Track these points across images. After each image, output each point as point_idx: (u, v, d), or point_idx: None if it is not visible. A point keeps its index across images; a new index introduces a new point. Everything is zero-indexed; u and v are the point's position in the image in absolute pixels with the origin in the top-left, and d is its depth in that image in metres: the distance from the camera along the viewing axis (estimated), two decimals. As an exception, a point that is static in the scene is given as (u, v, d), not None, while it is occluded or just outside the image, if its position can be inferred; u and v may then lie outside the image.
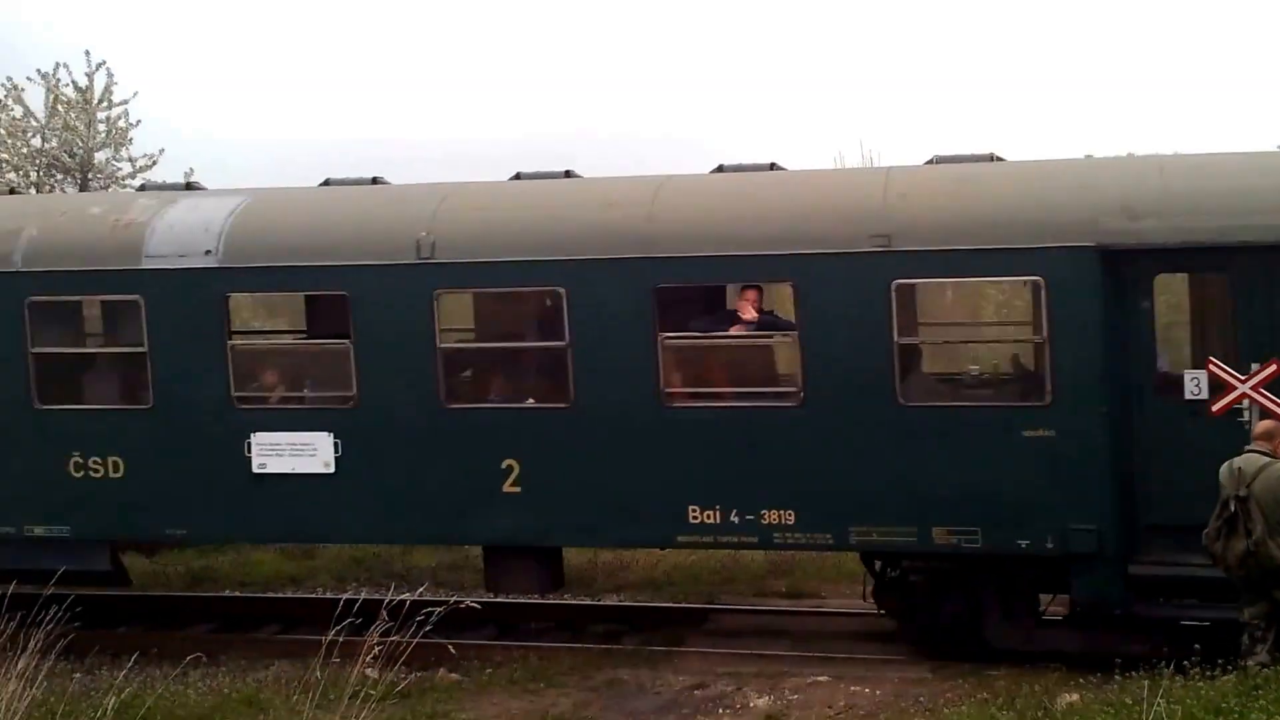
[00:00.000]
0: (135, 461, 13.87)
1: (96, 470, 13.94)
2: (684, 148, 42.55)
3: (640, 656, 13.42)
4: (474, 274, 13.31)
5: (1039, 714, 10.34)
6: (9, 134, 26.28)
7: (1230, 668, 10.40)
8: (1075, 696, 10.96)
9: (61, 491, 14.00)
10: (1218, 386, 11.53)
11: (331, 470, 13.51)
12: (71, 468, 13.99)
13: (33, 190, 25.48)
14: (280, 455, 13.63)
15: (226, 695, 12.58)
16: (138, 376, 13.94)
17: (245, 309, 17.95)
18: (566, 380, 12.99)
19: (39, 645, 10.13)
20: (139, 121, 27.07)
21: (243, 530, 14.55)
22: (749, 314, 12.99)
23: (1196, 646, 11.53)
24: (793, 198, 12.99)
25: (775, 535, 12.66)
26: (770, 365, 13.27)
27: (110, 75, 26.77)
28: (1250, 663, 10.35)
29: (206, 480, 13.72)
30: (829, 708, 11.80)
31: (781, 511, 12.59)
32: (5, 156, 26.25)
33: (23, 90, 26.42)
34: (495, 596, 14.56)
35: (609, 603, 15.54)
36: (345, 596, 10.72)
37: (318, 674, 10.41)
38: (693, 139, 42.96)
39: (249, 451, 13.63)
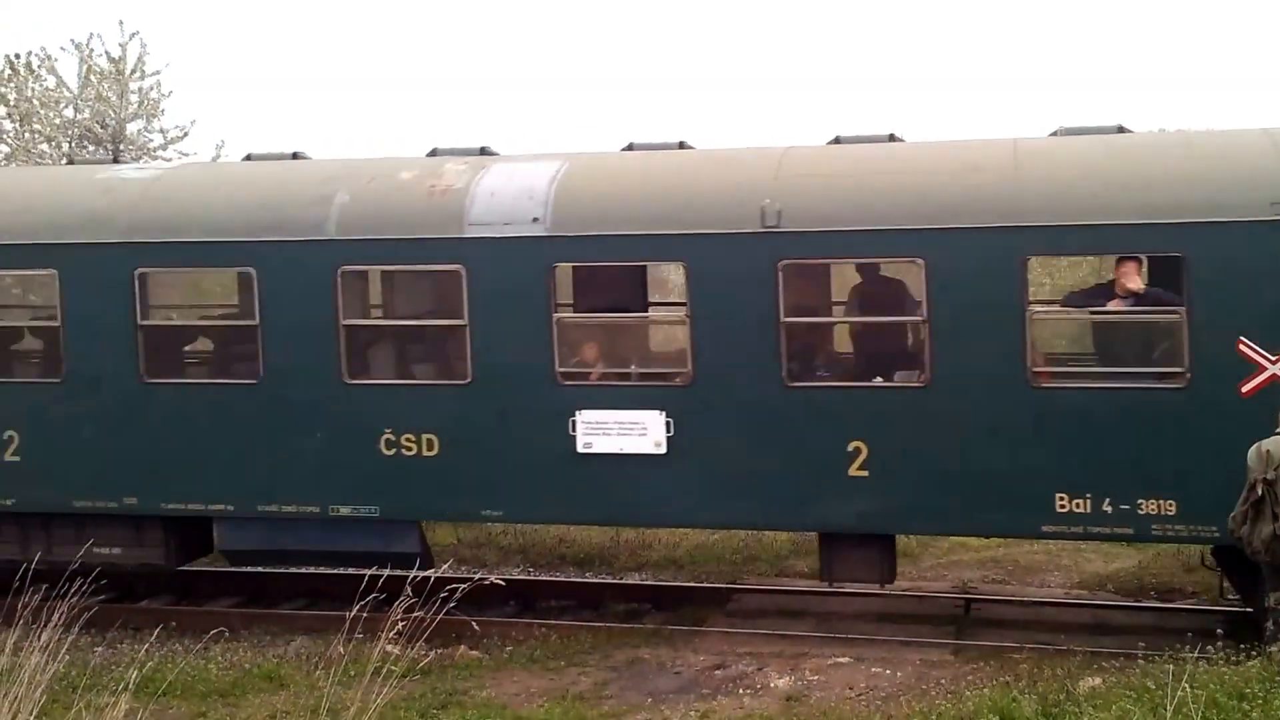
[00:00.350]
0: (450, 439, 13.32)
1: (409, 448, 13.41)
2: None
3: (661, 636, 13.42)
4: (824, 244, 12.55)
5: (1061, 697, 10.27)
6: (42, 104, 26.35)
7: (1255, 653, 10.34)
8: (1098, 680, 10.92)
9: (370, 470, 13.53)
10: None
11: (663, 451, 12.85)
12: (382, 445, 13.46)
13: (65, 161, 25.58)
14: (607, 434, 12.99)
15: (247, 670, 12.64)
16: (455, 350, 13.49)
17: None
18: (923, 357, 12.32)
19: (63, 618, 10.17)
20: (171, 92, 27.17)
21: (564, 512, 13.74)
22: (1134, 284, 12.18)
23: (1220, 631, 11.51)
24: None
25: (1153, 527, 12.06)
26: (1151, 343, 12.55)
27: (143, 45, 26.87)
28: (1275, 648, 10.29)
29: (526, 459, 13.16)
30: (850, 689, 11.76)
31: (1161, 501, 12.01)
32: (38, 127, 26.32)
33: (55, 60, 26.52)
34: (830, 584, 13.84)
35: (631, 581, 15.55)
36: (369, 573, 10.70)
37: (341, 649, 10.44)
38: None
39: (573, 430, 13.03)
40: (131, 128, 26.88)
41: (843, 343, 13.73)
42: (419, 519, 13.94)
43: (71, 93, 26.53)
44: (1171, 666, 9.67)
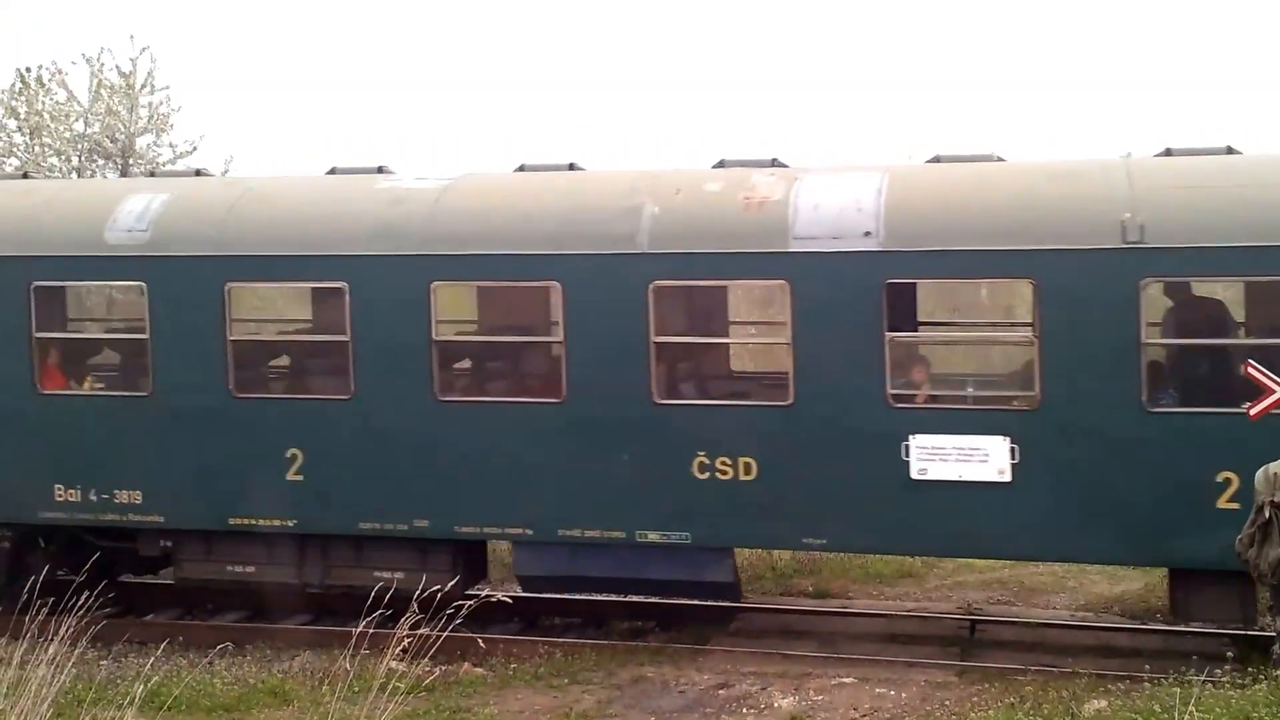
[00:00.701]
0: (770, 463, 12.61)
1: (724, 471, 12.74)
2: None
3: (665, 654, 13.41)
4: (1195, 260, 11.86)
5: (1066, 719, 10.27)
6: (52, 118, 26.45)
7: (1262, 677, 10.33)
8: (1103, 703, 10.89)
9: (682, 494, 12.84)
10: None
11: (1007, 479, 12.18)
12: (695, 469, 12.79)
13: (74, 175, 25.66)
14: (945, 460, 12.29)
15: (252, 685, 12.65)
16: (778, 369, 12.88)
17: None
18: None
19: (70, 632, 10.19)
20: (180, 107, 27.28)
21: (897, 542, 12.93)
22: None
23: (1229, 654, 11.50)
24: None
25: None
26: None
27: (153, 60, 26.98)
28: (1281, 672, 10.28)
29: (855, 486, 12.45)
30: (854, 709, 11.75)
31: None
32: (48, 141, 26.42)
33: (66, 74, 26.63)
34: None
35: (635, 599, 15.54)
36: (375, 588, 10.74)
37: (346, 665, 10.45)
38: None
39: (906, 455, 12.34)
40: (141, 142, 26.99)
41: (1210, 363, 12.64)
42: (733, 546, 13.45)
43: (82, 106, 26.65)
44: (1178, 690, 9.67)
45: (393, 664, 10.13)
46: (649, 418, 12.89)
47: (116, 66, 26.67)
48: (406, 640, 9.75)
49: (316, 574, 14.03)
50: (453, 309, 14.62)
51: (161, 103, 27.08)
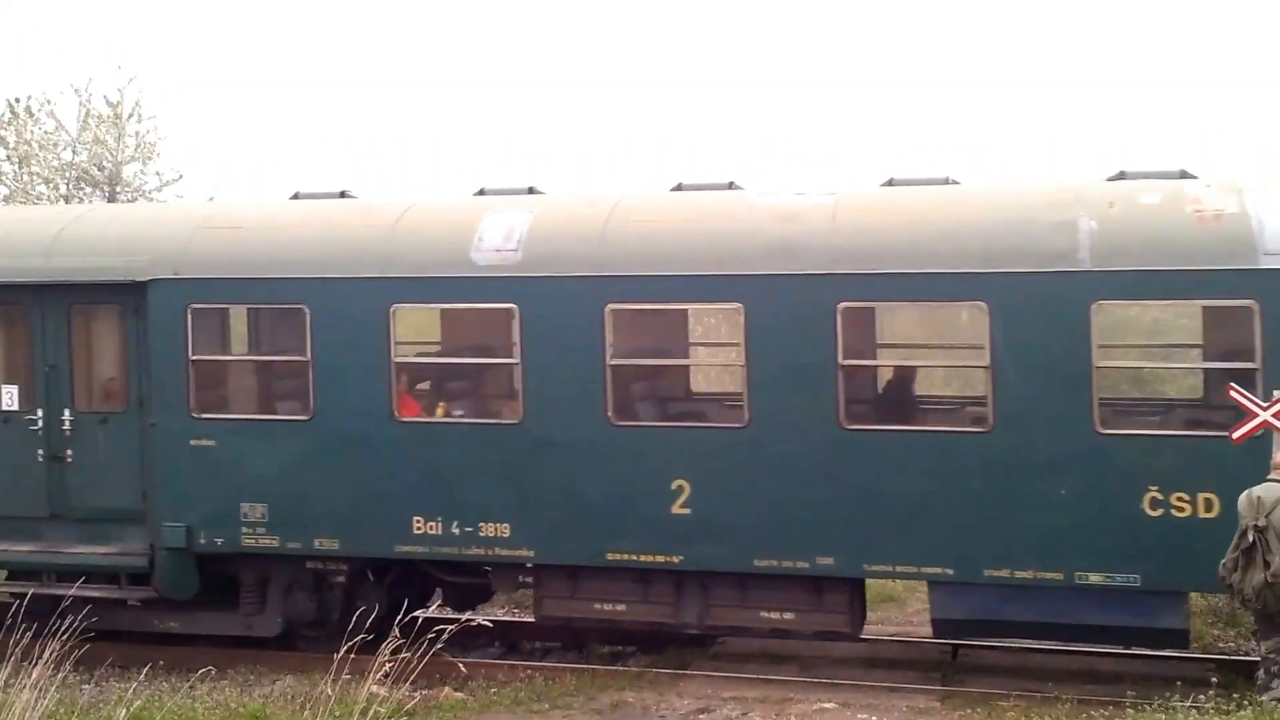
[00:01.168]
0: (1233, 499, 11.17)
1: (1180, 509, 11.75)
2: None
3: (646, 679, 13.40)
4: None
5: (1048, 745, 10.30)
6: (41, 147, 26.54)
7: (1247, 701, 10.36)
8: (1086, 728, 10.94)
9: (1131, 533, 11.86)
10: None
11: None
12: (1147, 505, 11.80)
13: (62, 202, 25.72)
14: None
15: (233, 710, 12.61)
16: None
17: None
18: None
19: (54, 655, 10.18)
20: (167, 136, 27.37)
21: None
22: None
23: (1213, 679, 11.52)
24: None
25: None
26: None
27: (140, 89, 27.10)
28: (1266, 697, 10.33)
29: None
30: (835, 734, 11.78)
31: None
32: (37, 169, 26.50)
33: (54, 104, 26.73)
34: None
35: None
36: (356, 614, 10.75)
37: (328, 690, 10.44)
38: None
39: None
40: (128, 170, 27.05)
41: None
42: (1191, 590, 12.57)
43: (70, 136, 26.74)
44: (1163, 716, 9.69)
45: (374, 688, 10.14)
46: (1091, 449, 11.96)
47: (104, 96, 26.77)
48: (387, 665, 9.77)
49: (694, 614, 13.26)
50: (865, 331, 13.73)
51: (148, 131, 27.18)
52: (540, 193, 14.39)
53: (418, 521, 13.43)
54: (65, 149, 26.88)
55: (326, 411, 13.59)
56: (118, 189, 26.36)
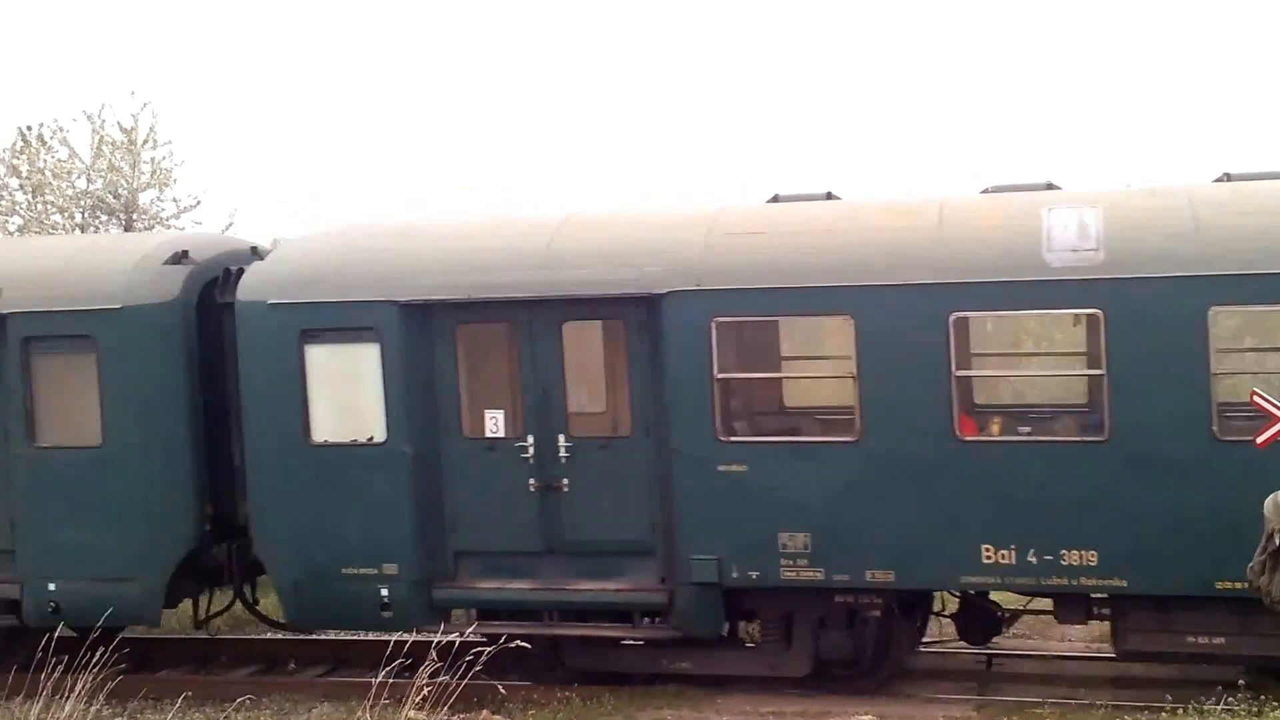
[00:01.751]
0: None
1: None
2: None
3: (684, 696, 13.36)
4: None
5: (1085, 752, 10.27)
6: (54, 175, 26.52)
7: (1275, 703, 10.33)
8: (1127, 732, 10.91)
9: None
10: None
11: None
12: None
13: (77, 232, 25.74)
14: None
15: (270, 738, 12.65)
16: None
17: None
18: None
19: (86, 688, 10.19)
20: (183, 161, 27.33)
21: None
22: None
23: (1241, 682, 11.47)
24: None
25: None
26: None
27: (154, 115, 27.07)
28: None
29: None
30: (873, 747, 11.75)
31: None
32: (51, 198, 26.48)
33: (67, 132, 26.72)
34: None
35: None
36: (394, 638, 10.68)
37: (367, 716, 10.43)
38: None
39: None
40: (144, 198, 27.01)
41: None
42: None
43: (84, 163, 26.67)
44: (1196, 719, 9.66)
45: (411, 713, 10.14)
46: None
47: (118, 123, 26.75)
48: (426, 689, 9.76)
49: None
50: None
51: (164, 158, 27.14)
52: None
53: (987, 550, 12.24)
54: (79, 177, 26.79)
55: (878, 431, 12.41)
56: (134, 216, 26.34)
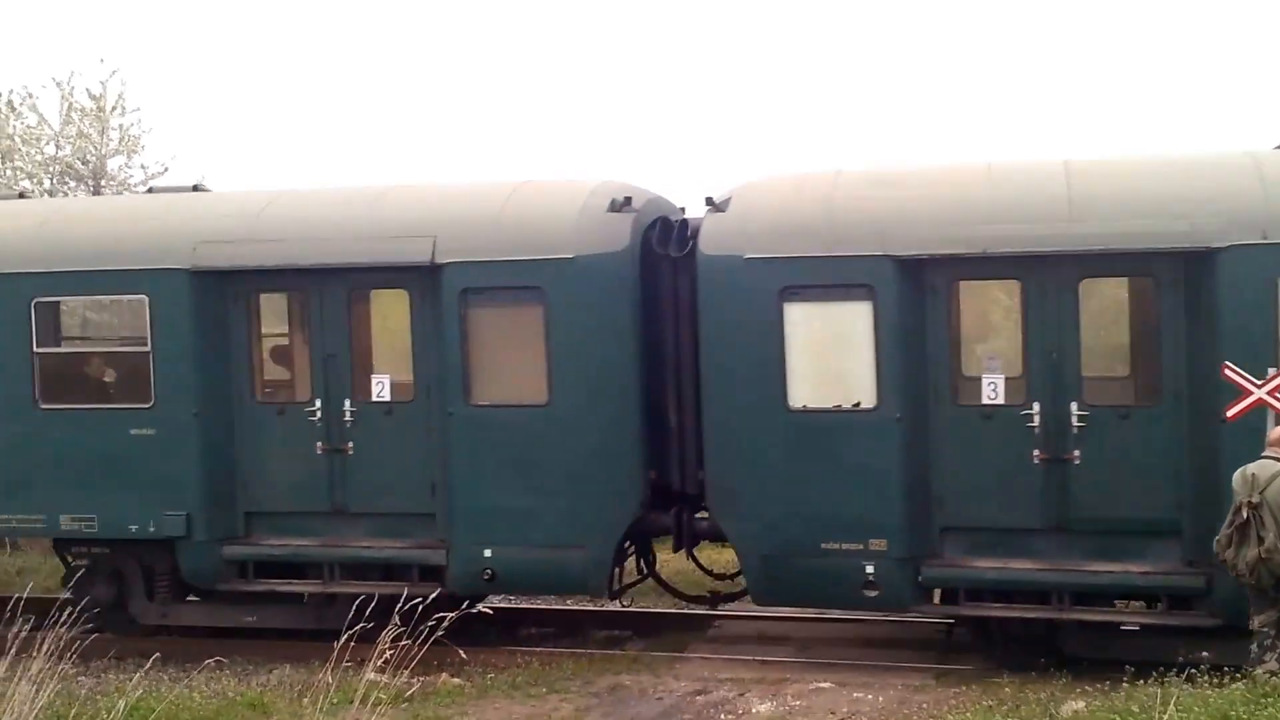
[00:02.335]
0: None
1: None
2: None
3: (642, 662, 13.49)
4: None
5: (1045, 720, 10.37)
6: (23, 141, 26.42)
7: (1239, 675, 10.44)
8: (1081, 704, 10.96)
9: None
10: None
11: None
12: None
13: (46, 198, 25.63)
14: None
15: (230, 699, 12.63)
16: None
17: None
18: None
19: (54, 648, 10.18)
20: (151, 129, 27.26)
21: None
22: None
23: (1205, 654, 11.59)
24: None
25: None
26: None
27: (123, 82, 26.98)
28: (1259, 670, 10.39)
29: None
30: (832, 714, 11.81)
31: None
32: (19, 164, 26.37)
33: (36, 98, 26.61)
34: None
35: (611, 608, 15.58)
36: (356, 601, 10.70)
37: (328, 678, 10.46)
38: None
39: None
40: (112, 164, 26.94)
41: None
42: None
43: (53, 130, 26.59)
44: (1157, 690, 9.76)
45: (373, 676, 10.17)
46: None
47: (87, 90, 26.65)
48: (388, 653, 9.79)
49: None
50: None
51: (132, 124, 27.06)
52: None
53: None
54: (48, 143, 26.72)
55: None
56: (102, 183, 26.25)
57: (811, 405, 12.71)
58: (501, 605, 14.80)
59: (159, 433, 14.14)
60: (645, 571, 14.59)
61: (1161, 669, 10.83)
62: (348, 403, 14.00)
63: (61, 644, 10.27)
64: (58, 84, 26.52)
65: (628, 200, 13.52)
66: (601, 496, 13.35)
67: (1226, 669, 10.72)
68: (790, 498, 12.74)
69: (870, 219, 12.66)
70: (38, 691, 9.63)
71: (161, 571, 14.70)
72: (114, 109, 26.79)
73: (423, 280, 13.67)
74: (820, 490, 12.66)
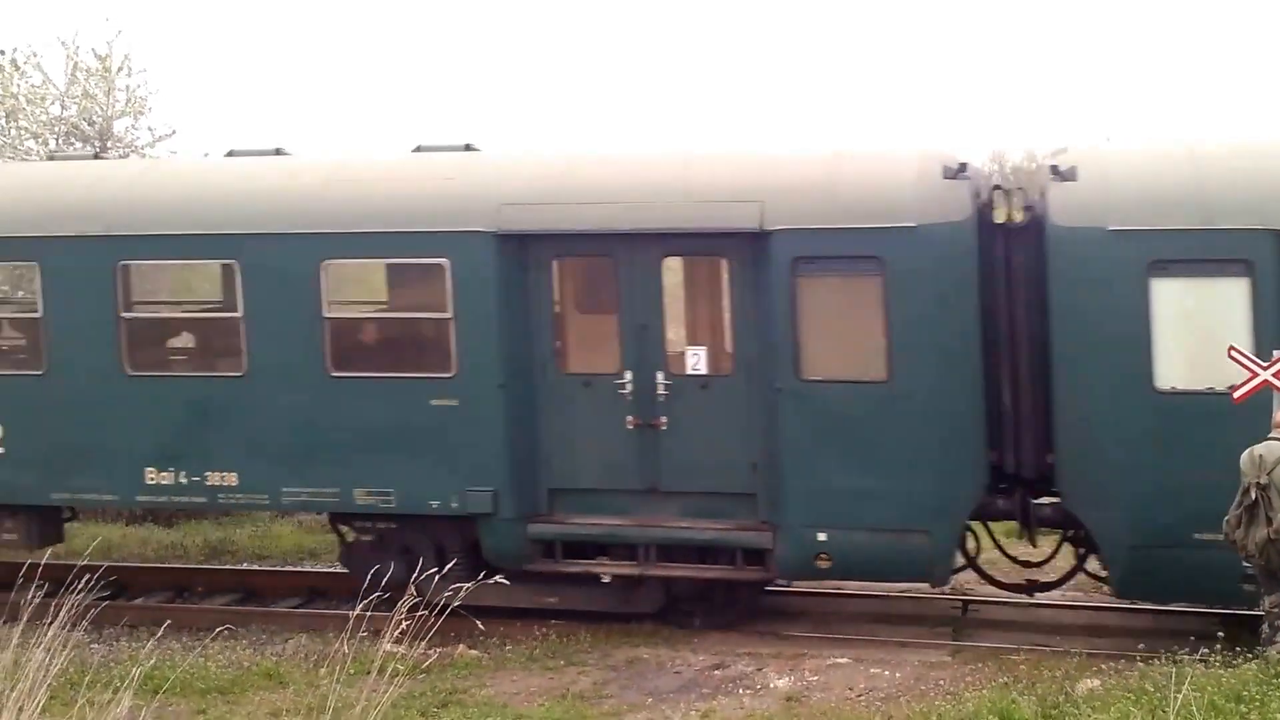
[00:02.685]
0: None
1: None
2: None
3: (660, 635, 13.46)
4: None
5: (1060, 699, 10.34)
6: (28, 101, 26.25)
7: (1252, 655, 10.44)
8: (1096, 682, 11.02)
9: None
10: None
11: None
12: None
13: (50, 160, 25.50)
14: None
15: (246, 668, 12.64)
16: None
17: None
18: None
19: (70, 616, 10.14)
20: (158, 90, 27.09)
21: None
22: None
23: (1219, 634, 11.57)
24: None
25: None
26: None
27: (129, 43, 26.83)
28: (1271, 651, 10.41)
29: None
30: (849, 689, 11.83)
31: None
32: (25, 124, 26.21)
33: (41, 57, 26.44)
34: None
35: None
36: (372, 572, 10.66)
37: (345, 649, 10.43)
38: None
39: None
40: (119, 125, 26.78)
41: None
42: None
43: (58, 89, 26.41)
44: (1172, 669, 9.74)
45: (389, 647, 10.13)
46: None
47: (93, 49, 26.47)
48: (405, 623, 9.76)
49: None
50: None
51: (139, 85, 26.89)
52: None
53: None
54: (53, 103, 26.53)
55: None
56: (108, 144, 26.08)
57: (1182, 387, 11.99)
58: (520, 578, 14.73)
59: (462, 404, 13.39)
60: (968, 559, 13.65)
61: (1175, 648, 10.84)
62: (660, 375, 13.32)
63: (74, 611, 10.24)
64: (62, 43, 26.35)
65: (962, 166, 12.83)
66: (945, 479, 12.67)
67: (1239, 649, 10.71)
68: (1159, 484, 12.01)
69: (1247, 191, 12.06)
70: (51, 659, 9.60)
71: (454, 549, 13.57)
72: (120, 69, 26.63)
73: (743, 247, 12.96)
74: (1193, 476, 11.73)
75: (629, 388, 13.34)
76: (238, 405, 13.87)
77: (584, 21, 54.73)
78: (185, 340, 15.22)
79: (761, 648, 12.98)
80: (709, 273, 13.60)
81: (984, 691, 11.08)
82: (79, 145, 25.88)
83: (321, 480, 13.78)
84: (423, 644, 10.32)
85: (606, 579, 13.52)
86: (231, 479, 13.94)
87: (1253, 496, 10.50)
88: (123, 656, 12.78)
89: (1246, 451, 10.64)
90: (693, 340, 13.62)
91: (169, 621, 12.88)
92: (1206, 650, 10.78)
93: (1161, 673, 9.89)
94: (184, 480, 13.99)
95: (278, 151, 14.95)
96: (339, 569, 15.39)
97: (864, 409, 12.64)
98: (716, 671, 12.37)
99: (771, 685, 11.97)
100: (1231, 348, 11.28)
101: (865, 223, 12.55)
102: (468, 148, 14.48)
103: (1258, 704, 9.08)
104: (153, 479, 14.04)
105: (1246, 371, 11.17)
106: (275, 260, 13.71)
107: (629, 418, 13.35)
